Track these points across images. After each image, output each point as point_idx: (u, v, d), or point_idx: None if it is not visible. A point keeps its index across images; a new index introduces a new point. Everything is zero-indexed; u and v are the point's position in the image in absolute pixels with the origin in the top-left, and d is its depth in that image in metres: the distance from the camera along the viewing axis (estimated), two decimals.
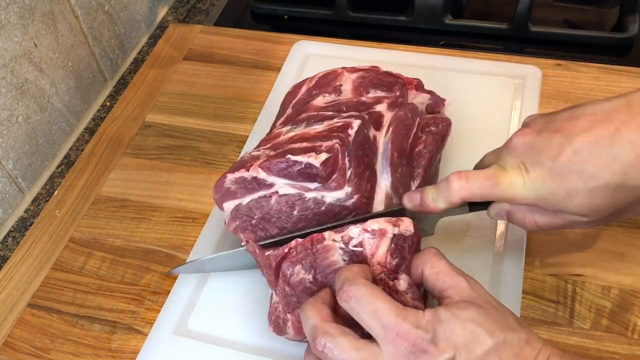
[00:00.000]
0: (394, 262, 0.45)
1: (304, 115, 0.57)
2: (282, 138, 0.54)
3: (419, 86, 0.62)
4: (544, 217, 0.47)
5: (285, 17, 0.86)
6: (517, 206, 0.47)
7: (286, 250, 0.47)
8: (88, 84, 0.75)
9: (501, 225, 0.57)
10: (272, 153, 0.52)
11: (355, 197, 0.50)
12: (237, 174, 0.52)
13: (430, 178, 0.57)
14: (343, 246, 0.46)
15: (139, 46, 0.85)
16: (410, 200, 0.50)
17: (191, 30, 0.83)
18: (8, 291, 0.58)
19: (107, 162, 0.68)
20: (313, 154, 0.49)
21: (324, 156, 0.49)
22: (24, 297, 0.58)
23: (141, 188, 0.65)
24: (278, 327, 0.49)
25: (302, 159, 0.49)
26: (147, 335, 0.54)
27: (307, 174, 0.50)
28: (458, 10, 0.82)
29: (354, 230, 0.46)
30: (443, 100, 0.62)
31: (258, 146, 0.56)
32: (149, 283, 0.57)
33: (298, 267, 0.46)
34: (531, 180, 0.45)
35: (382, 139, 0.55)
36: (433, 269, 0.44)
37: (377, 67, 0.62)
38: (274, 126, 0.60)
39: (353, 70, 0.62)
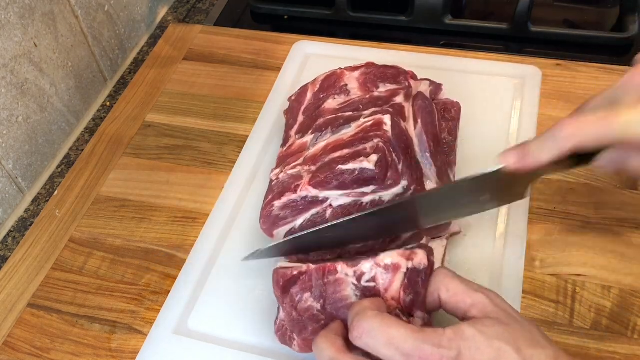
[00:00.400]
0: (408, 299, 0.43)
1: (321, 120, 0.56)
2: (314, 150, 0.53)
3: (414, 76, 0.63)
4: None
5: (285, 17, 0.86)
6: (634, 150, 0.43)
7: (295, 273, 0.46)
8: (88, 84, 0.75)
9: (501, 226, 0.57)
10: (314, 168, 0.51)
11: (413, 187, 0.49)
12: (285, 199, 0.50)
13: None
14: (355, 282, 0.44)
15: (139, 46, 0.85)
16: (509, 157, 0.45)
17: (191, 30, 0.83)
18: (8, 291, 0.58)
19: (107, 162, 0.68)
20: (362, 158, 0.48)
21: (374, 157, 0.48)
22: (24, 297, 0.58)
23: (141, 188, 0.65)
24: (284, 340, 0.48)
25: (355, 165, 0.48)
26: (147, 335, 0.54)
27: (362, 179, 0.49)
28: (458, 10, 0.82)
29: (366, 265, 0.44)
30: (440, 85, 0.62)
31: (284, 163, 0.54)
32: (149, 283, 0.57)
33: (307, 295, 0.45)
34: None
35: (413, 130, 0.54)
36: (449, 292, 0.42)
37: (372, 63, 0.62)
38: (288, 137, 0.59)
39: (352, 69, 0.62)
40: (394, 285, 0.44)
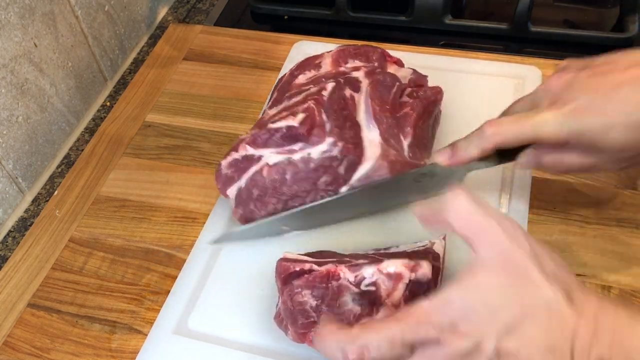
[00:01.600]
0: None
1: (287, 94, 0.59)
2: (266, 118, 0.56)
3: (399, 63, 0.64)
4: (575, 157, 0.46)
5: (285, 17, 0.86)
6: (547, 148, 0.47)
7: (297, 269, 0.47)
8: (88, 84, 0.75)
9: None
10: (256, 130, 0.54)
11: (340, 144, 0.53)
12: (229, 158, 0.55)
13: (418, 143, 0.58)
14: (356, 290, 0.45)
15: (139, 46, 0.85)
16: (441, 155, 0.51)
17: (191, 30, 0.83)
18: (8, 291, 0.58)
19: (107, 162, 0.68)
20: (290, 116, 0.52)
21: (301, 116, 0.52)
22: (24, 297, 0.58)
23: (141, 188, 0.65)
24: (280, 326, 0.50)
25: (282, 123, 0.52)
26: (147, 335, 0.54)
27: (289, 136, 0.52)
28: (458, 10, 0.82)
29: (369, 271, 0.45)
30: (424, 76, 0.63)
31: (254, 127, 0.57)
32: (149, 283, 0.57)
33: (307, 292, 0.46)
34: (566, 115, 0.45)
35: (362, 98, 0.56)
36: (457, 217, 0.39)
37: (356, 44, 0.64)
38: (264, 111, 0.62)
39: (330, 51, 0.63)
40: (395, 294, 0.44)
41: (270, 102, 0.61)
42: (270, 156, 0.54)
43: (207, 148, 0.68)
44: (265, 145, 0.54)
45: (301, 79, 0.61)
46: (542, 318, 0.35)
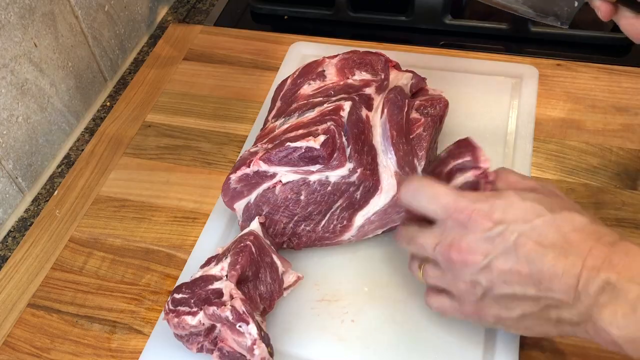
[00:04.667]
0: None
1: (294, 105, 0.58)
2: (277, 131, 0.55)
3: (398, 66, 0.63)
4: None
5: (285, 17, 0.86)
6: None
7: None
8: (88, 84, 0.75)
9: None
10: (270, 146, 0.53)
11: (359, 170, 0.52)
12: (239, 172, 0.53)
13: (429, 162, 0.58)
14: None
15: (139, 46, 0.85)
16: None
17: (191, 31, 0.83)
18: (8, 291, 0.58)
19: (107, 162, 0.68)
20: (311, 137, 0.51)
21: (322, 138, 0.51)
22: (24, 297, 0.58)
23: (141, 188, 0.65)
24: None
25: (302, 144, 0.51)
26: (147, 335, 0.54)
27: (308, 157, 0.51)
28: (458, 10, 0.82)
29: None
30: (424, 78, 0.62)
31: (255, 143, 0.57)
32: (149, 283, 0.57)
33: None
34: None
35: (378, 119, 0.56)
36: (503, 177, 0.45)
37: (355, 50, 0.63)
38: (266, 122, 0.61)
39: (334, 56, 0.62)
40: None
41: (274, 112, 0.60)
42: (285, 175, 0.53)
43: (207, 148, 0.68)
44: (280, 163, 0.52)
45: (307, 89, 0.60)
46: (566, 229, 0.40)
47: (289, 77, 0.63)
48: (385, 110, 0.55)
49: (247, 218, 0.56)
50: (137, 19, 0.84)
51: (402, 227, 0.49)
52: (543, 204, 0.41)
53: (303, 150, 0.51)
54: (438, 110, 0.59)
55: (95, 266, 0.59)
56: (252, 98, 0.73)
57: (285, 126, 0.55)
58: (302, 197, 0.53)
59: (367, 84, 0.58)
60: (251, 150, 0.55)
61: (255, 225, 0.53)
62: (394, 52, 0.74)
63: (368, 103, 0.56)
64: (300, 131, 0.53)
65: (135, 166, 0.67)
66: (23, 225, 0.66)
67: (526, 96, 0.68)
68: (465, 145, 0.48)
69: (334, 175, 0.52)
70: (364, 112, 0.55)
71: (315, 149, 0.50)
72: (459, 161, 0.47)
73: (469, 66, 0.72)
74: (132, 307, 0.56)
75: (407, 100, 0.57)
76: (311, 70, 0.61)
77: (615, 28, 0.78)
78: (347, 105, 0.54)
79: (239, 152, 0.66)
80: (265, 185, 0.53)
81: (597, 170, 0.62)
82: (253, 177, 0.53)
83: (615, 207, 0.59)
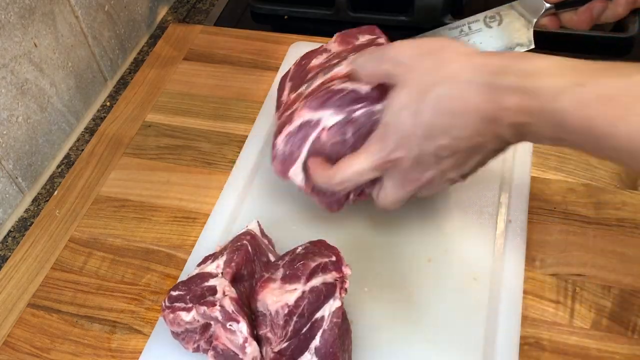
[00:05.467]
0: None
1: (309, 75, 0.56)
2: (308, 91, 0.53)
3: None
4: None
5: (285, 17, 0.86)
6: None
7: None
8: (88, 84, 0.75)
9: (501, 224, 0.57)
10: (310, 94, 0.51)
11: None
12: (284, 132, 0.51)
13: None
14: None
15: (139, 46, 0.85)
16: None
17: (191, 30, 0.83)
18: (8, 291, 0.58)
19: (107, 162, 0.68)
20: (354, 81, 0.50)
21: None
22: (24, 297, 0.58)
23: (141, 188, 0.65)
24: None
25: (346, 85, 0.50)
26: (147, 335, 0.54)
27: (355, 99, 0.49)
28: (458, 10, 0.82)
29: None
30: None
31: (281, 114, 0.54)
32: (149, 283, 0.57)
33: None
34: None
35: None
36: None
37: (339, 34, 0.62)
38: (280, 102, 0.59)
39: (331, 40, 0.61)
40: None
41: (286, 90, 0.58)
42: (329, 118, 0.50)
43: (207, 148, 0.68)
44: (323, 107, 0.50)
45: (315, 62, 0.58)
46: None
47: (289, 70, 0.62)
48: None
49: (308, 178, 0.52)
50: (137, 19, 0.84)
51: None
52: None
53: (348, 92, 0.49)
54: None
55: (95, 266, 0.59)
56: (252, 98, 0.73)
57: (316, 84, 0.53)
58: (348, 136, 0.50)
59: (374, 41, 0.57)
60: (286, 113, 0.53)
61: (253, 225, 0.53)
62: None
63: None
64: (337, 81, 0.51)
65: (135, 166, 0.67)
66: (23, 225, 0.66)
67: None
68: (326, 247, 0.49)
69: (379, 106, 0.49)
70: None
71: (365, 89, 0.49)
72: (324, 260, 0.47)
73: None
74: (132, 307, 0.56)
75: None
76: (312, 53, 0.60)
77: (616, 28, 0.78)
78: (382, 40, 0.54)
79: (239, 152, 0.66)
80: (312, 137, 0.50)
81: (597, 170, 0.62)
82: (299, 132, 0.50)
83: (615, 207, 0.59)
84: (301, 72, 0.59)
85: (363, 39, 0.58)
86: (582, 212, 0.59)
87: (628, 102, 0.36)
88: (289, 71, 0.62)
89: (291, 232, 0.58)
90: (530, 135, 0.42)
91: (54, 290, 0.58)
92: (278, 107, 0.59)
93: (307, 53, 0.61)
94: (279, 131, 0.52)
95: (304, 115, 0.50)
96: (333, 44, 0.60)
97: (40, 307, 0.57)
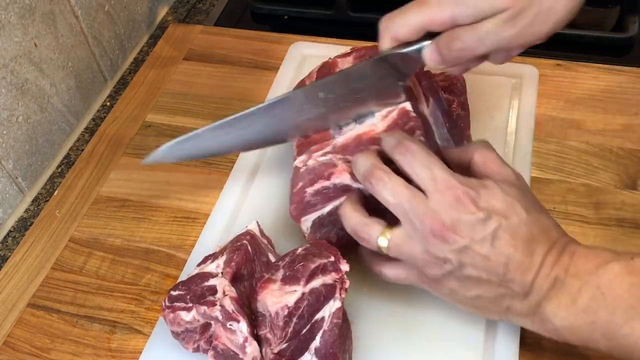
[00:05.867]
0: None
1: None
2: (343, 139, 0.53)
3: None
4: (469, 31, 0.46)
5: (285, 17, 0.86)
6: (446, 35, 0.47)
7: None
8: (88, 84, 0.75)
9: None
10: (349, 157, 0.51)
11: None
12: (318, 185, 0.51)
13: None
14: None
15: (139, 46, 0.85)
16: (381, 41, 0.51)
17: (191, 30, 0.83)
18: (8, 291, 0.58)
19: (107, 162, 0.68)
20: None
21: None
22: (24, 297, 0.58)
23: (141, 188, 0.65)
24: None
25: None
26: (147, 335, 0.54)
27: None
28: None
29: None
30: None
31: (308, 150, 0.54)
32: (149, 283, 0.57)
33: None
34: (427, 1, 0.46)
35: (426, 109, 0.55)
36: (483, 156, 0.47)
37: (360, 47, 0.62)
38: None
39: (343, 55, 0.61)
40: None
41: None
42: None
43: None
44: None
45: None
46: (534, 231, 0.44)
47: (303, 81, 0.61)
48: (431, 99, 0.55)
49: (316, 230, 0.53)
50: (137, 19, 0.84)
51: (381, 173, 0.46)
52: (520, 202, 0.44)
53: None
54: (460, 87, 0.60)
55: (95, 266, 0.59)
56: (252, 98, 0.73)
57: (352, 134, 0.53)
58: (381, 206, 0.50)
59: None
60: (320, 159, 0.52)
61: (252, 226, 0.53)
62: None
63: (411, 94, 0.55)
64: (374, 147, 0.51)
65: (135, 166, 0.67)
66: (23, 225, 0.66)
67: (526, 96, 0.68)
68: (326, 247, 0.49)
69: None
70: (419, 108, 0.54)
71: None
72: (323, 261, 0.47)
73: (486, 71, 0.71)
74: (132, 307, 0.56)
75: (433, 82, 0.57)
76: (328, 72, 0.59)
77: (615, 28, 0.78)
78: (409, 106, 0.52)
79: (239, 152, 0.66)
80: (343, 198, 0.51)
81: (597, 170, 0.62)
82: (332, 190, 0.51)
83: (615, 207, 0.59)
84: None
85: None
86: (582, 212, 0.59)
87: None
88: (301, 85, 0.61)
89: (291, 232, 0.58)
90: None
91: (54, 290, 0.58)
92: None
93: (322, 67, 0.60)
94: (314, 180, 0.51)
95: (344, 178, 0.51)
96: (349, 59, 0.59)
97: (40, 307, 0.57)
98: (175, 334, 0.50)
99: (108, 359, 0.53)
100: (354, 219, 0.48)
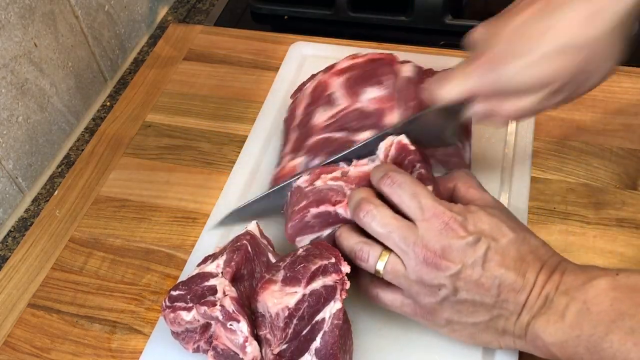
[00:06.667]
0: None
1: (310, 140, 0.57)
2: (356, 172, 0.53)
3: (395, 60, 0.62)
4: (514, 102, 0.47)
5: (285, 17, 0.86)
6: (486, 100, 0.48)
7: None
8: (88, 84, 0.75)
9: None
10: (352, 187, 0.51)
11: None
12: (322, 208, 0.51)
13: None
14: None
15: (139, 46, 0.85)
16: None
17: (191, 31, 0.83)
18: (8, 291, 0.58)
19: (107, 162, 0.68)
20: None
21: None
22: (24, 297, 0.58)
23: (141, 188, 0.65)
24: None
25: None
26: (147, 335, 0.54)
27: None
28: (458, 10, 0.82)
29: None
30: (421, 68, 0.62)
31: (312, 171, 0.54)
32: (149, 283, 0.57)
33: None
34: (479, 67, 0.47)
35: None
36: (465, 184, 0.50)
37: (354, 59, 0.62)
38: (282, 156, 0.60)
39: (337, 73, 0.61)
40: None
41: (290, 145, 0.59)
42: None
43: (207, 148, 0.68)
44: None
45: (319, 117, 0.58)
46: (524, 250, 0.44)
47: (297, 102, 0.61)
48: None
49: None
50: (137, 19, 0.84)
51: (370, 206, 0.47)
52: (506, 223, 0.45)
53: None
54: None
55: (95, 266, 0.59)
56: (252, 98, 0.73)
57: (364, 169, 0.53)
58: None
59: (381, 111, 0.57)
60: (329, 183, 0.52)
61: (252, 226, 0.53)
62: (394, 53, 0.74)
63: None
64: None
65: (135, 166, 0.67)
66: (23, 225, 0.66)
67: None
68: (327, 248, 0.49)
69: None
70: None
71: None
72: (324, 262, 0.47)
73: None
74: (132, 307, 0.56)
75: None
76: (320, 95, 0.60)
77: None
78: (405, 139, 0.52)
79: (239, 152, 0.66)
80: (338, 226, 0.51)
81: (597, 170, 0.62)
82: (333, 216, 0.51)
83: (615, 207, 0.59)
84: (305, 125, 0.59)
85: (369, 93, 0.58)
86: (582, 212, 0.59)
87: None
88: (294, 108, 0.61)
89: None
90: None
91: (54, 291, 0.58)
92: (280, 159, 0.60)
93: (313, 90, 0.61)
94: (319, 202, 0.51)
95: (345, 213, 0.50)
96: (340, 88, 0.59)
97: (41, 307, 0.57)
98: (176, 334, 0.50)
99: (108, 359, 0.53)
100: (353, 239, 0.48)
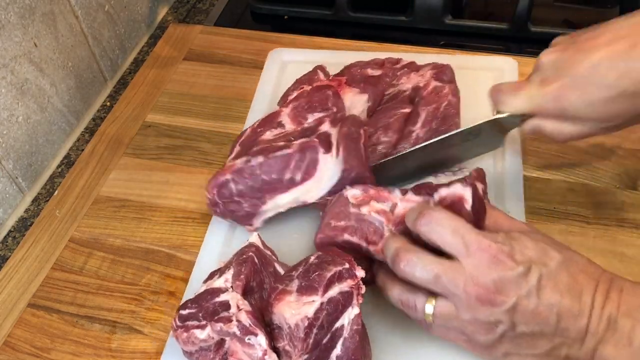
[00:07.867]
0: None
1: (255, 148, 0.57)
2: (401, 210, 0.52)
3: (348, 81, 0.63)
4: (572, 126, 0.50)
5: (285, 17, 0.86)
6: (546, 119, 0.51)
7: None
8: (88, 84, 0.75)
9: None
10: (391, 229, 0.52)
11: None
12: (356, 240, 0.51)
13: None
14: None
15: (139, 46, 0.85)
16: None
17: (191, 31, 0.83)
18: (8, 291, 0.58)
19: (107, 162, 0.68)
20: None
21: None
22: (24, 297, 0.58)
23: (141, 188, 0.65)
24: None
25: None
26: (147, 335, 0.54)
27: None
28: (458, 10, 0.82)
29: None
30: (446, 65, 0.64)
31: (368, 195, 0.54)
32: (149, 283, 0.57)
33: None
34: (548, 94, 0.49)
35: (334, 158, 0.55)
36: (492, 217, 0.48)
37: (302, 90, 0.62)
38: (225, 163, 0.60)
39: (287, 104, 0.62)
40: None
41: (233, 154, 0.59)
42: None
43: (207, 148, 0.68)
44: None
45: (267, 135, 0.59)
46: (573, 270, 0.43)
47: (248, 129, 0.62)
48: (341, 147, 0.54)
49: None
50: (137, 19, 0.84)
51: (409, 254, 0.45)
52: (550, 245, 0.44)
53: None
54: (450, 74, 0.63)
55: (95, 266, 0.59)
56: (252, 98, 0.73)
57: (404, 205, 0.52)
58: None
59: (321, 121, 0.58)
60: (373, 215, 0.52)
61: (254, 238, 0.53)
62: (393, 53, 0.74)
63: (328, 142, 0.55)
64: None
65: (135, 166, 0.67)
66: (23, 225, 0.66)
67: None
68: (339, 254, 0.48)
69: None
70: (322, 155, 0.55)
71: None
72: (338, 268, 0.47)
73: (469, 65, 0.71)
74: (132, 307, 0.56)
75: (361, 130, 0.56)
76: (270, 122, 0.60)
77: None
78: (468, 193, 0.50)
79: None
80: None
81: (597, 170, 0.62)
82: (363, 252, 0.51)
83: (615, 207, 0.59)
84: (253, 141, 0.59)
85: (312, 117, 0.59)
86: (582, 212, 0.59)
87: None
88: (245, 131, 0.61)
89: (292, 233, 0.58)
90: None
91: (54, 291, 0.58)
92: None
93: (265, 118, 0.61)
94: (354, 231, 0.51)
95: (379, 256, 0.50)
96: (287, 117, 0.60)
97: (41, 307, 0.57)
98: (189, 354, 0.49)
99: (108, 359, 0.53)
100: (398, 289, 0.47)
